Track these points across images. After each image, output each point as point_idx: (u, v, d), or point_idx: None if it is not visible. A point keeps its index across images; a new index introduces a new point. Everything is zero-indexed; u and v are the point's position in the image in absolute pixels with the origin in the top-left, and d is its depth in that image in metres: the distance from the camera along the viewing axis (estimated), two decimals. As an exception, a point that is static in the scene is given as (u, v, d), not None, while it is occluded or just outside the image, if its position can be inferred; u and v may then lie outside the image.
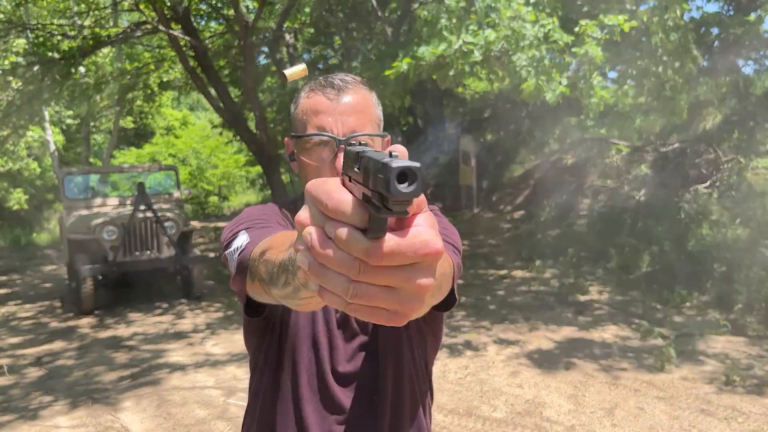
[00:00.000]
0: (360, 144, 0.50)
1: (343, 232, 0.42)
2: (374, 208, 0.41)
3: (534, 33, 4.57)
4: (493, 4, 4.67)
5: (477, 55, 4.50)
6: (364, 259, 0.41)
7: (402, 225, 0.43)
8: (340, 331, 1.05)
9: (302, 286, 0.62)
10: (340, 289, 0.43)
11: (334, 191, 0.43)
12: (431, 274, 0.43)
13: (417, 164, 0.39)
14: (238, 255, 0.90)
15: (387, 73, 4.80)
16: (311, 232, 0.44)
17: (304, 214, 0.46)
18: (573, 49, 4.79)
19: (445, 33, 4.66)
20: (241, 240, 0.92)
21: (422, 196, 0.44)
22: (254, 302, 0.90)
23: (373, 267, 0.42)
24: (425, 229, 0.43)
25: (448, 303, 0.87)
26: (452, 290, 0.86)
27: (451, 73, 4.69)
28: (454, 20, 4.85)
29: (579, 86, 4.85)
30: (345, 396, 1.04)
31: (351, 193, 0.43)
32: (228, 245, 0.95)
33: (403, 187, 0.38)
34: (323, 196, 0.43)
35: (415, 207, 0.43)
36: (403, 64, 4.76)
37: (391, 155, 0.41)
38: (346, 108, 0.98)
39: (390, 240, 0.41)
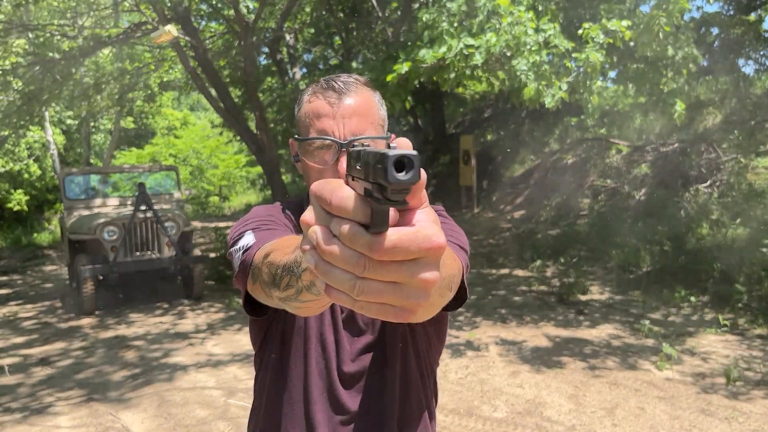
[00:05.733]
0: (363, 146, 0.51)
1: (346, 228, 0.43)
2: (375, 200, 0.42)
3: (534, 38, 4.58)
4: (494, 10, 4.68)
5: (478, 58, 4.51)
6: (367, 253, 0.42)
7: (404, 222, 0.44)
8: (346, 330, 1.05)
9: (305, 288, 0.63)
10: (346, 286, 0.44)
11: (338, 188, 0.44)
12: (435, 269, 0.44)
13: (414, 152, 0.40)
14: (242, 254, 0.91)
15: (388, 78, 4.81)
16: (316, 231, 0.45)
17: (308, 214, 0.47)
18: (573, 55, 4.80)
19: (446, 37, 4.66)
20: (247, 240, 0.93)
21: (424, 194, 0.45)
22: (255, 302, 0.91)
23: (378, 263, 0.42)
24: (427, 224, 0.43)
25: (458, 301, 0.88)
26: (463, 287, 0.88)
27: (452, 75, 4.70)
28: (455, 24, 4.86)
29: (579, 92, 4.86)
30: (350, 396, 1.04)
31: (354, 190, 0.45)
32: (234, 243, 0.97)
33: (401, 175, 0.40)
34: (326, 193, 0.44)
35: (416, 201, 0.44)
36: (404, 67, 4.77)
37: (389, 146, 0.42)
38: (348, 111, 0.99)
39: (392, 234, 0.42)
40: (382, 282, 0.43)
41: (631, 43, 5.05)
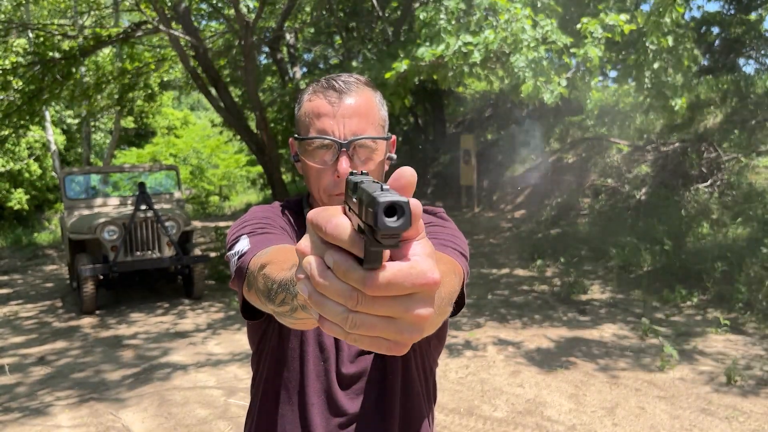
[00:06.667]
0: (362, 174, 0.51)
1: (340, 261, 0.42)
2: (368, 240, 0.41)
3: (532, 34, 4.57)
4: (492, 7, 4.69)
5: (476, 56, 4.50)
6: (361, 288, 0.41)
7: (399, 254, 0.43)
8: None
9: (300, 307, 0.62)
10: (339, 318, 0.43)
11: (333, 216, 0.44)
12: (429, 305, 0.43)
13: (405, 199, 0.39)
14: (237, 260, 0.91)
15: (387, 75, 4.81)
16: (311, 262, 0.44)
17: (304, 242, 0.46)
18: (572, 50, 4.79)
19: (443, 35, 4.66)
20: (242, 245, 0.93)
21: (421, 224, 0.44)
22: (252, 305, 0.90)
23: (371, 297, 0.42)
24: (422, 259, 0.42)
25: (456, 308, 0.87)
26: (461, 295, 0.87)
27: (450, 73, 4.70)
28: (453, 22, 4.85)
29: (578, 87, 4.85)
30: (348, 398, 1.03)
31: (350, 220, 0.44)
32: (230, 248, 0.96)
33: (391, 221, 0.39)
34: (322, 221, 0.44)
35: (411, 232, 0.43)
36: (403, 65, 4.76)
37: (382, 189, 0.41)
38: (348, 111, 0.98)
39: (386, 270, 0.41)
40: (376, 316, 0.42)
41: (640, 38, 5.04)
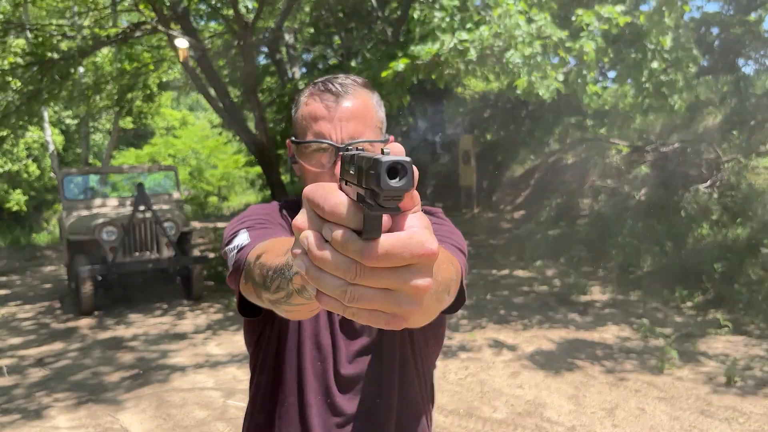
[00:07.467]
0: (357, 149, 0.50)
1: (338, 233, 0.42)
2: (367, 206, 0.41)
3: (527, 30, 4.55)
4: (486, 2, 4.68)
5: (472, 53, 4.48)
6: (359, 259, 0.42)
7: (396, 227, 0.43)
8: (342, 332, 1.04)
9: (296, 292, 0.62)
10: (337, 292, 0.43)
11: (330, 194, 0.43)
12: (428, 275, 0.43)
13: (407, 158, 0.39)
14: (236, 253, 0.91)
15: (384, 74, 4.79)
16: (308, 236, 0.44)
17: (301, 218, 0.46)
18: (567, 44, 4.77)
19: (437, 33, 4.65)
20: (241, 239, 0.93)
21: (417, 196, 0.44)
22: (249, 303, 0.90)
23: (370, 269, 0.42)
24: (420, 230, 0.43)
25: (456, 304, 0.87)
26: (461, 291, 0.87)
27: (447, 71, 4.68)
28: (448, 19, 4.84)
29: (576, 82, 4.83)
30: (346, 399, 1.03)
31: (347, 195, 0.44)
32: (229, 242, 0.96)
33: (394, 182, 0.39)
34: (320, 199, 0.44)
35: (408, 202, 0.43)
36: (400, 65, 4.74)
37: (383, 152, 0.41)
38: (345, 114, 0.97)
39: (384, 241, 0.41)
40: (374, 289, 0.43)
41: (627, 31, 5.03)
